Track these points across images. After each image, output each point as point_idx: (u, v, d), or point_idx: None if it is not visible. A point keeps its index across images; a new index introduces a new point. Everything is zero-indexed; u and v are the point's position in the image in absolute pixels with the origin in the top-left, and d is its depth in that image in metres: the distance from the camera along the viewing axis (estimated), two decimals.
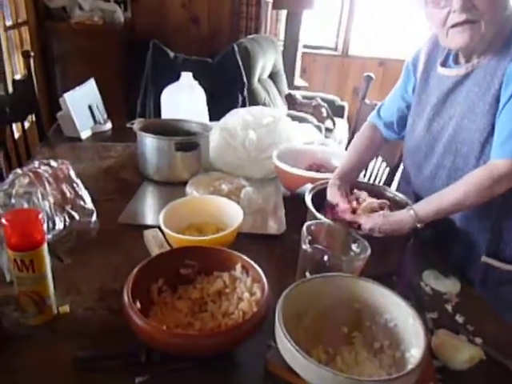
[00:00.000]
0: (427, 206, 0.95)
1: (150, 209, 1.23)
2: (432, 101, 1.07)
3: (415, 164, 1.15)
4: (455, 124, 1.00)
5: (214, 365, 0.72)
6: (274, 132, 1.46)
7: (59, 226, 0.87)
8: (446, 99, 1.03)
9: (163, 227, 0.94)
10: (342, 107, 3.59)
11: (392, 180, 1.68)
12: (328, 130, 3.10)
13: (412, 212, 0.93)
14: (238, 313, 0.76)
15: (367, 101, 1.90)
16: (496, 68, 0.92)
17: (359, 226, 0.97)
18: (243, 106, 2.54)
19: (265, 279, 0.77)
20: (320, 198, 1.09)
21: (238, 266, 0.83)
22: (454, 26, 0.90)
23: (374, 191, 1.12)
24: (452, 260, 1.07)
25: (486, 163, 0.94)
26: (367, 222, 0.94)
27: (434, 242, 1.09)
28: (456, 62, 1.03)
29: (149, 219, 1.15)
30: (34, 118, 1.85)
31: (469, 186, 0.91)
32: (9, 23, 2.52)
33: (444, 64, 1.06)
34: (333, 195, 1.05)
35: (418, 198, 1.08)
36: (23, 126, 1.78)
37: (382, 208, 1.02)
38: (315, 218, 0.98)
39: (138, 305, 0.72)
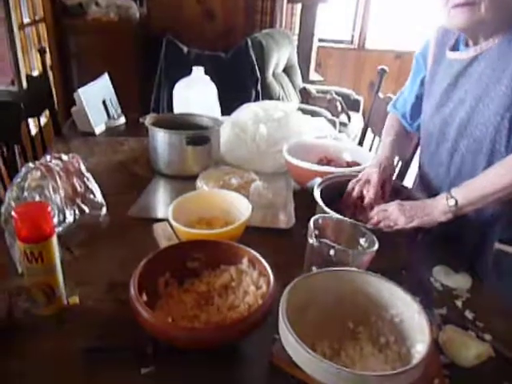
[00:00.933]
0: (467, 196, 0.91)
1: (160, 202, 1.25)
2: (442, 86, 1.06)
3: (429, 153, 1.14)
4: (468, 107, 0.99)
5: (220, 357, 0.72)
6: (285, 126, 1.46)
7: (69, 219, 0.89)
8: (456, 83, 1.02)
9: (172, 220, 0.95)
10: (358, 101, 3.55)
11: (405, 174, 1.66)
12: (343, 124, 3.07)
13: (451, 201, 0.91)
14: (244, 306, 0.76)
15: (381, 95, 1.87)
16: (510, 50, 0.91)
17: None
18: (257, 100, 2.54)
19: (271, 273, 0.77)
20: (329, 191, 1.09)
21: (245, 260, 0.83)
22: (454, 6, 0.90)
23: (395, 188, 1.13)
24: (464, 250, 1.05)
25: (501, 147, 0.94)
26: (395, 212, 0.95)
27: (445, 232, 1.07)
28: (466, 44, 1.02)
29: (159, 213, 1.16)
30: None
31: (504, 165, 0.89)
32: (26, 20, 2.56)
33: (454, 49, 1.05)
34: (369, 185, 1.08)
35: (432, 192, 1.08)
36: (39, 122, 1.81)
37: None
38: (324, 211, 0.98)
39: (145, 297, 0.73)
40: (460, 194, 0.91)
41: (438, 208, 0.92)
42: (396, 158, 1.23)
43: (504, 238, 1.01)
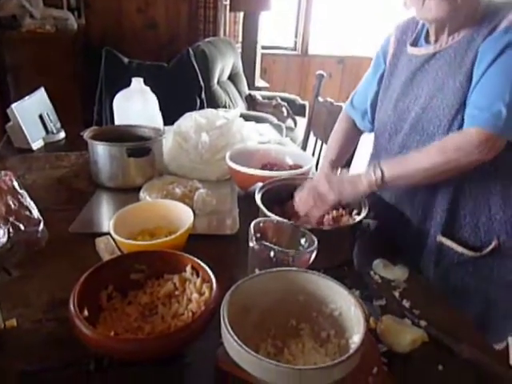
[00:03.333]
0: (393, 169, 0.96)
1: (103, 216, 1.22)
2: (401, 80, 1.08)
3: (381, 147, 1.16)
4: (423, 103, 1.01)
5: (166, 367, 0.72)
6: (227, 133, 1.48)
7: (3, 238, 0.86)
8: (413, 79, 1.05)
9: (113, 234, 0.94)
10: (303, 106, 3.64)
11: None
12: (289, 128, 3.14)
13: (378, 172, 0.96)
14: (188, 313, 0.76)
15: (320, 99, 1.93)
16: (466, 49, 0.94)
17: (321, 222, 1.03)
18: (202, 108, 2.54)
19: (213, 278, 0.78)
20: (272, 195, 1.11)
21: (188, 268, 0.83)
22: None
23: None
24: (404, 246, 1.10)
25: None
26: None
27: (386, 229, 1.11)
28: (426, 40, 1.05)
29: (102, 227, 1.14)
30: None
31: (437, 149, 0.92)
32: None
33: (414, 44, 1.08)
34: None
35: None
36: None
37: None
38: (266, 215, 1.00)
39: (86, 313, 0.72)
40: (386, 167, 0.96)
41: (363, 180, 0.97)
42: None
43: (446, 233, 1.05)
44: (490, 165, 0.94)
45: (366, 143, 1.42)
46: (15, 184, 0.94)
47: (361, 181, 0.98)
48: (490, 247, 1.00)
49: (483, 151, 0.89)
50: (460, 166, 0.92)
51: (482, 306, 1.06)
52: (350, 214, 1.09)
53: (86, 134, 1.35)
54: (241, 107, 3.22)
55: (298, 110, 3.52)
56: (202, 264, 0.82)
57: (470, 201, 1.00)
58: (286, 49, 4.72)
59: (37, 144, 1.66)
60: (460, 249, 1.02)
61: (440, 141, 0.95)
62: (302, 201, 1.04)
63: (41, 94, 1.76)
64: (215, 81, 3.03)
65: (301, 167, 1.35)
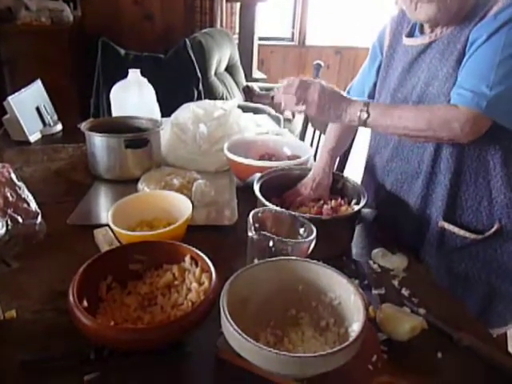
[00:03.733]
0: (378, 118, 0.95)
1: (101, 208, 1.22)
2: (398, 71, 1.10)
3: (380, 137, 1.18)
4: (420, 91, 1.02)
5: (166, 357, 0.72)
6: (225, 124, 1.47)
7: (1, 230, 0.85)
8: (410, 69, 1.06)
9: (111, 225, 0.94)
10: None
11: (346, 160, 1.70)
12: (287, 120, 3.12)
13: (364, 114, 0.94)
14: (187, 303, 0.76)
15: None
16: (459, 36, 0.96)
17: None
18: (199, 99, 2.53)
19: (213, 268, 0.78)
20: (271, 185, 1.11)
21: (187, 258, 0.83)
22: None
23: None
24: (405, 235, 1.11)
25: None
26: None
27: (386, 219, 1.12)
28: (421, 31, 1.07)
29: (100, 218, 1.14)
30: None
31: (425, 116, 0.92)
32: None
33: (409, 35, 1.09)
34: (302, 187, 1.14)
35: (377, 176, 1.16)
36: None
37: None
38: (264, 205, 1.00)
39: (85, 303, 0.72)
40: (373, 113, 0.94)
41: (348, 114, 0.95)
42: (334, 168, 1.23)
43: (448, 218, 1.05)
44: (490, 148, 0.96)
45: (364, 134, 1.42)
46: (13, 176, 0.93)
47: (345, 113, 0.95)
48: (493, 230, 1.01)
49: (464, 129, 0.89)
50: (436, 137, 0.93)
51: (484, 290, 1.07)
52: (349, 203, 1.09)
53: (84, 126, 1.35)
54: (238, 99, 3.20)
55: None
56: (201, 254, 0.82)
57: (471, 185, 1.01)
58: (283, 40, 4.69)
59: (34, 136, 1.65)
60: (462, 232, 1.04)
61: (431, 107, 0.95)
62: (285, 88, 0.99)
63: (37, 86, 1.75)
64: (212, 72, 3.02)
65: (299, 157, 1.35)
